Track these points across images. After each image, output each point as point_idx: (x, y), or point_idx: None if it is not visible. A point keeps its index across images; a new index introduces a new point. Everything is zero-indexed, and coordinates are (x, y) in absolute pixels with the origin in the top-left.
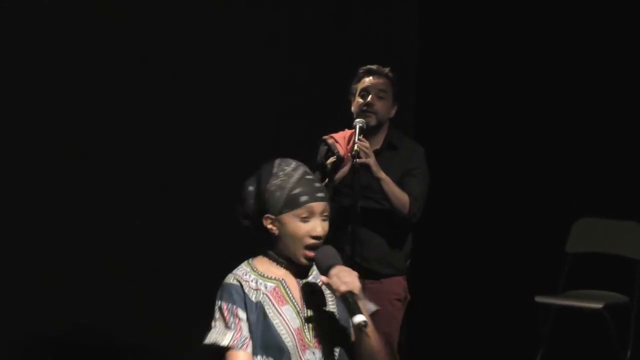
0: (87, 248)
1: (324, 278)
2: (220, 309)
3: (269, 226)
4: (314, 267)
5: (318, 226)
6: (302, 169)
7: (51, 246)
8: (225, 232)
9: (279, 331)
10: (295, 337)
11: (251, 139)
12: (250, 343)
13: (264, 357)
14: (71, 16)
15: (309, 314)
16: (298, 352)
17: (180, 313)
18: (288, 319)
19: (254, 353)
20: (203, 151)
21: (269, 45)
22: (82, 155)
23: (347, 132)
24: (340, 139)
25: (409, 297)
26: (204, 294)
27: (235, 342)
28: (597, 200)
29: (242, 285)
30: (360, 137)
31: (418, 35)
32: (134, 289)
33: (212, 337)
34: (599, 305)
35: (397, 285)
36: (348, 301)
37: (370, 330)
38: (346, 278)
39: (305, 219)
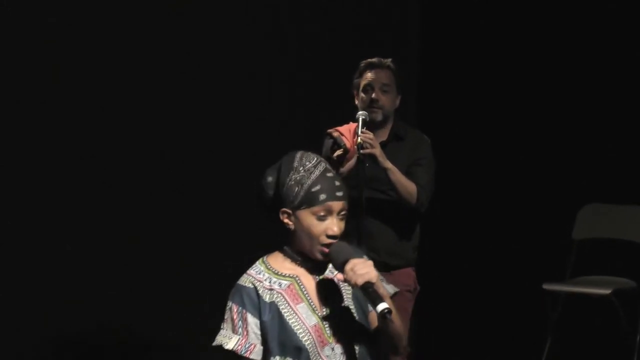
0: (102, 247)
1: (339, 275)
2: (231, 310)
3: (285, 220)
4: (331, 264)
5: (334, 225)
6: (323, 165)
7: (67, 246)
8: (239, 227)
9: (295, 330)
10: (313, 334)
11: (256, 134)
12: (258, 349)
13: (282, 357)
14: (76, 17)
15: (326, 310)
16: (317, 349)
17: (198, 308)
18: (304, 317)
19: (272, 354)
20: (211, 149)
21: (272, 40)
22: (85, 154)
23: (352, 125)
24: (345, 132)
25: (418, 288)
26: (220, 288)
27: (240, 347)
28: (602, 186)
29: (256, 288)
30: (364, 129)
31: (420, 25)
32: (151, 285)
33: (218, 340)
34: (607, 291)
35: (407, 276)
36: (368, 292)
37: (393, 315)
38: (362, 270)
39: (322, 217)
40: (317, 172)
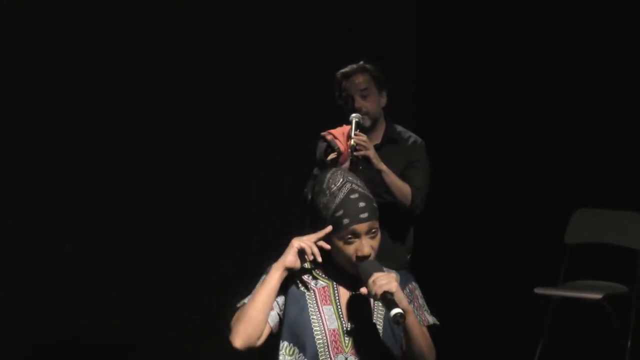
0: (102, 247)
1: (363, 289)
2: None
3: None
4: None
5: (364, 247)
6: (349, 186)
7: (67, 246)
8: (239, 228)
9: (312, 327)
10: (329, 337)
11: (255, 135)
12: (274, 313)
13: (291, 344)
14: (76, 17)
15: (351, 321)
16: (330, 353)
17: (198, 308)
18: (326, 318)
19: (282, 337)
20: (211, 149)
21: (271, 41)
22: (85, 154)
23: (346, 128)
24: (339, 135)
25: None
26: (220, 288)
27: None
28: (595, 191)
29: (294, 275)
30: (357, 131)
31: (417, 26)
32: (151, 285)
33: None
34: (599, 296)
35: None
36: (386, 299)
37: (417, 331)
38: (382, 281)
39: (349, 240)
40: (341, 195)
